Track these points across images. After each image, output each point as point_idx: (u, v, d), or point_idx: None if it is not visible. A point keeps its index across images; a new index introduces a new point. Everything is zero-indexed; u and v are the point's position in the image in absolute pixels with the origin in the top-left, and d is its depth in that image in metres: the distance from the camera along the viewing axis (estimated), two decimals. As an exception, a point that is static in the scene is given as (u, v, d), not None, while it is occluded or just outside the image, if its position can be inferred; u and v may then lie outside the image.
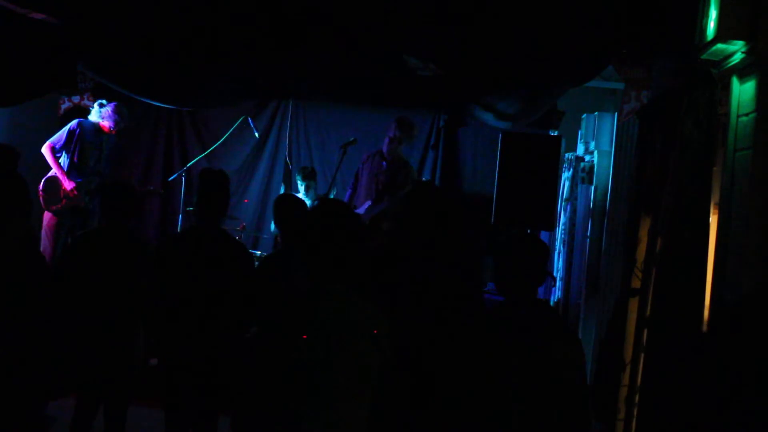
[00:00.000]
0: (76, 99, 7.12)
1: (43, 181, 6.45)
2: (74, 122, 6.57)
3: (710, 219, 3.20)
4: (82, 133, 6.53)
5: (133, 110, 7.67)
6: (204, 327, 3.84)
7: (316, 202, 2.84)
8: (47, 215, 6.45)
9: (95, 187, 6.57)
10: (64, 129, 6.52)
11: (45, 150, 6.45)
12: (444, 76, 6.05)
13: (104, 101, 6.66)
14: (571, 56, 4.89)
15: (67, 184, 6.44)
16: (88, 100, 7.07)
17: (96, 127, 6.62)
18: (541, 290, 6.15)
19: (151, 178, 7.86)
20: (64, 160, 6.52)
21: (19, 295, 3.06)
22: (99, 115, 6.60)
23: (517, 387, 2.74)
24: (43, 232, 6.44)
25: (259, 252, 6.87)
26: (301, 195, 6.97)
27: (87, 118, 6.64)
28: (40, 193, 6.41)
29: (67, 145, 6.50)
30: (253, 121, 7.51)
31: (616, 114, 5.18)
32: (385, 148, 6.46)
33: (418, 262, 3.13)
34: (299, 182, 7.23)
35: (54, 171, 6.46)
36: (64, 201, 6.45)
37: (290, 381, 2.49)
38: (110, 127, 6.60)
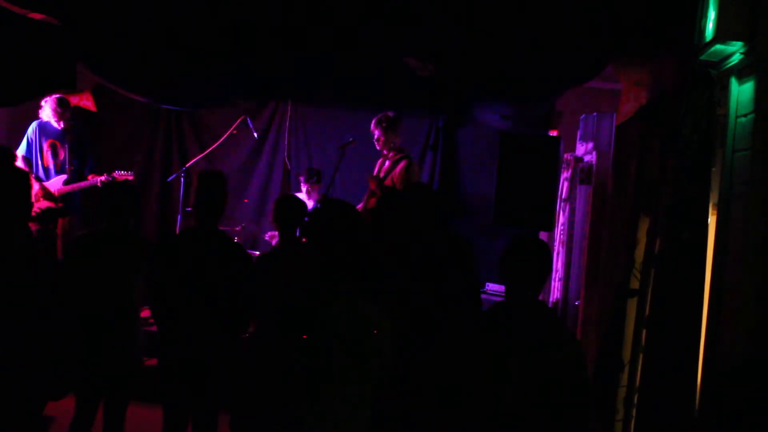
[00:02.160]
0: (75, 99, 7.13)
1: None
2: (32, 125, 6.56)
3: (709, 220, 3.21)
4: (40, 133, 6.52)
5: (132, 110, 7.70)
6: (203, 327, 3.85)
7: (318, 204, 2.83)
8: None
9: (65, 184, 6.51)
10: (24, 136, 6.53)
11: (18, 162, 6.42)
12: (443, 76, 6.05)
13: (48, 98, 6.58)
14: (570, 56, 4.89)
15: (37, 189, 6.39)
16: (87, 100, 7.08)
17: (52, 124, 6.59)
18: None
19: (149, 178, 7.87)
20: (36, 164, 6.51)
21: (20, 294, 3.06)
22: (44, 112, 6.57)
23: (517, 387, 2.74)
24: None
25: (258, 252, 6.88)
26: (302, 196, 6.98)
27: (41, 118, 6.60)
28: None
29: (30, 150, 6.50)
30: (251, 122, 7.52)
31: (615, 114, 5.18)
32: (382, 150, 6.45)
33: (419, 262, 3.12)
34: (303, 184, 7.25)
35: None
36: (38, 209, 6.38)
37: (290, 381, 2.50)
38: (55, 121, 6.54)
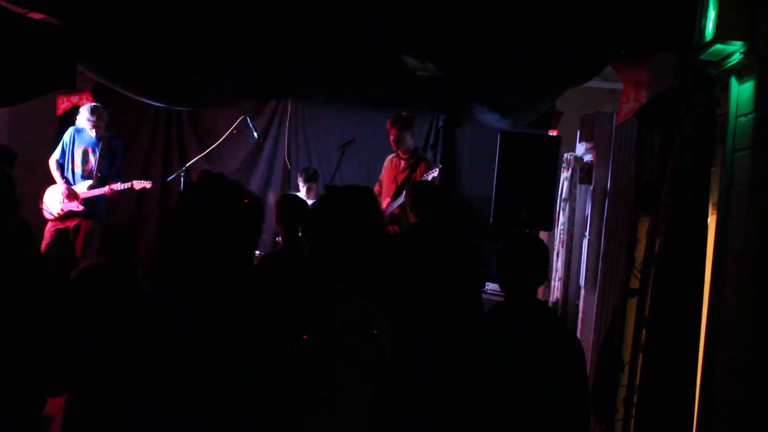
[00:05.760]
0: (75, 99, 7.14)
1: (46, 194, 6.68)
2: (68, 129, 6.76)
3: (709, 219, 3.21)
4: (74, 140, 6.70)
5: (132, 110, 7.70)
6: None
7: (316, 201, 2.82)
8: (48, 223, 6.59)
9: (89, 189, 6.65)
10: (60, 141, 6.74)
11: (50, 164, 6.68)
12: (443, 76, 6.06)
13: (85, 104, 6.77)
14: (570, 56, 4.89)
15: (63, 190, 6.55)
16: (87, 100, 7.09)
17: (87, 131, 6.72)
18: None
19: (149, 178, 7.87)
20: (67, 168, 6.71)
21: (17, 292, 3.06)
22: (79, 119, 6.73)
23: (517, 387, 2.74)
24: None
25: (257, 252, 6.87)
26: (301, 196, 6.98)
27: (77, 124, 6.78)
28: (41, 205, 6.56)
29: (64, 155, 6.70)
30: (251, 121, 7.51)
31: (615, 114, 5.18)
32: (397, 150, 6.49)
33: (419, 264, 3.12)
34: (301, 183, 7.24)
35: (58, 183, 6.65)
36: (62, 210, 6.56)
37: (289, 381, 2.49)
38: (89, 128, 6.68)
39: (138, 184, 6.80)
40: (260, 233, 2.55)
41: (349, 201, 2.65)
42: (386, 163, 6.67)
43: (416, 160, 6.40)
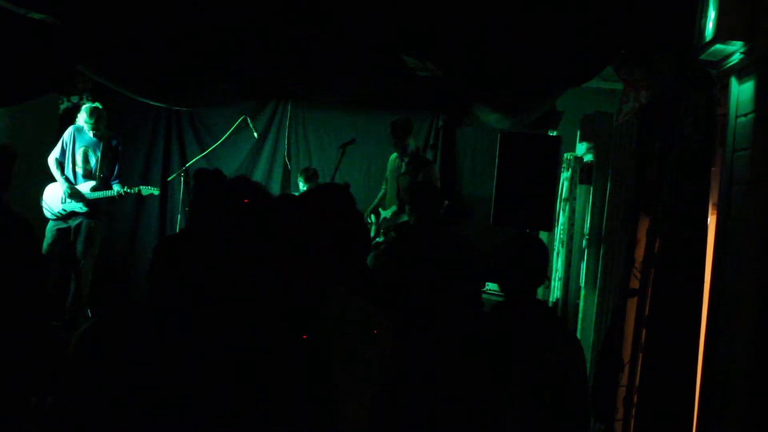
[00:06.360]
0: (75, 99, 7.15)
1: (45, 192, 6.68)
2: (69, 129, 6.74)
3: (709, 219, 3.21)
4: (75, 139, 6.70)
5: (132, 110, 7.71)
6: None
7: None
8: (49, 222, 6.59)
9: (92, 190, 6.66)
10: (60, 139, 6.73)
11: (49, 162, 6.66)
12: (443, 76, 6.06)
13: (85, 104, 6.80)
14: (570, 56, 4.88)
15: (67, 190, 6.54)
16: (87, 100, 7.09)
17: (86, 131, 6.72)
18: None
19: (150, 178, 7.88)
20: (67, 167, 6.69)
21: (16, 292, 3.06)
22: (79, 118, 6.75)
23: (517, 388, 2.74)
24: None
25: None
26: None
27: (77, 123, 6.79)
28: (43, 204, 6.58)
29: (64, 154, 6.68)
30: (252, 121, 7.52)
31: (615, 114, 5.18)
32: (400, 154, 6.49)
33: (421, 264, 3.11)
34: (301, 183, 7.25)
35: (58, 181, 6.64)
36: (65, 210, 6.57)
37: (288, 381, 2.49)
38: (88, 130, 6.68)
39: (145, 190, 6.83)
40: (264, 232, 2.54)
41: (347, 200, 2.66)
42: (390, 163, 6.68)
43: (416, 165, 6.40)
